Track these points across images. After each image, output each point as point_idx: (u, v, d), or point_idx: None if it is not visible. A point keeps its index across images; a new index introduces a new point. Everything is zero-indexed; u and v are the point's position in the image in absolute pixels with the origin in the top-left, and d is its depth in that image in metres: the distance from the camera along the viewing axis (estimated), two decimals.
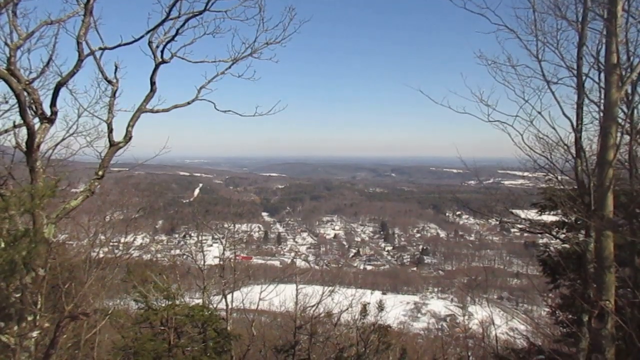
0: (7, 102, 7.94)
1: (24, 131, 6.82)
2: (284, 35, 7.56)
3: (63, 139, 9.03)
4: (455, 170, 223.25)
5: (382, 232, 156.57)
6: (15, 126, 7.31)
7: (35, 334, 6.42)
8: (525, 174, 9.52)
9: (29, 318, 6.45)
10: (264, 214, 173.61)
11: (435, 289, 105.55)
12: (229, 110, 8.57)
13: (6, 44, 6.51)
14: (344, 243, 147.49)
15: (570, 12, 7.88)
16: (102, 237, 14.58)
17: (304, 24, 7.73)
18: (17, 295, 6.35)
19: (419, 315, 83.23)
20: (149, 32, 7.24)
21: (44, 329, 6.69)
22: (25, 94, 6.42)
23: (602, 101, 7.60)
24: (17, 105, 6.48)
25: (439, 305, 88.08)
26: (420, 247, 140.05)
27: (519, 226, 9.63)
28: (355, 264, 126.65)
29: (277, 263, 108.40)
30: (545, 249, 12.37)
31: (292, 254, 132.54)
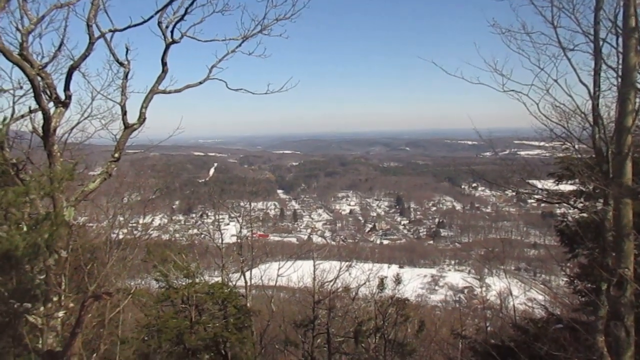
0: (21, 88, 8.00)
1: (39, 116, 6.90)
2: (293, 11, 7.47)
3: (78, 123, 9.11)
4: (470, 142, 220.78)
5: (397, 207, 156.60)
6: (31, 111, 7.39)
7: (61, 314, 6.61)
8: (542, 143, 9.36)
9: (54, 299, 6.64)
10: (279, 191, 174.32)
11: (452, 262, 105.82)
12: (241, 89, 8.54)
13: (17, 29, 6.55)
14: (360, 218, 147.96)
15: None
16: (121, 219, 14.81)
17: None
18: (42, 277, 6.55)
19: (437, 287, 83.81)
20: (158, 12, 7.21)
21: (69, 309, 6.88)
22: (39, 78, 6.47)
23: (620, 67, 7.42)
24: (31, 91, 6.56)
25: (456, 277, 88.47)
26: (436, 220, 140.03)
27: (536, 197, 9.51)
28: (372, 239, 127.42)
29: (293, 240, 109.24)
30: (563, 219, 12.29)
31: (309, 230, 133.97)
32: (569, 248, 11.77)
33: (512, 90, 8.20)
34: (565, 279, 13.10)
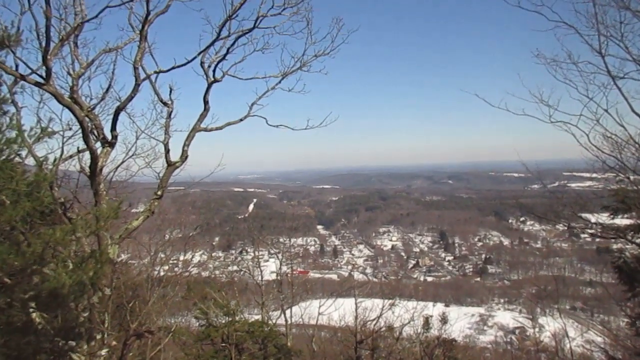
0: (70, 129, 8.41)
1: (87, 156, 7.19)
2: (332, 47, 7.66)
3: (123, 162, 9.43)
4: (516, 175, 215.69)
5: (441, 242, 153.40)
6: (79, 151, 7.74)
7: (104, 352, 6.71)
8: (594, 175, 9.08)
9: (98, 337, 6.76)
10: (319, 226, 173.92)
11: (502, 300, 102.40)
12: (281, 125, 8.72)
13: (69, 73, 6.94)
14: (402, 254, 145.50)
15: (634, 2, 7.54)
16: (162, 256, 15.05)
17: (352, 34, 7.80)
18: (86, 315, 6.65)
19: (485, 328, 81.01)
20: (200, 53, 7.52)
21: (112, 347, 6.98)
22: (88, 120, 6.79)
23: None
24: (80, 132, 6.87)
25: (506, 317, 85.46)
26: (483, 256, 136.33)
27: (590, 231, 9.18)
28: (415, 276, 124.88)
29: (334, 277, 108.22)
30: (620, 255, 11.77)
31: (349, 266, 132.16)
32: (629, 286, 11.22)
33: (560, 122, 8.06)
34: (625, 320, 12.45)
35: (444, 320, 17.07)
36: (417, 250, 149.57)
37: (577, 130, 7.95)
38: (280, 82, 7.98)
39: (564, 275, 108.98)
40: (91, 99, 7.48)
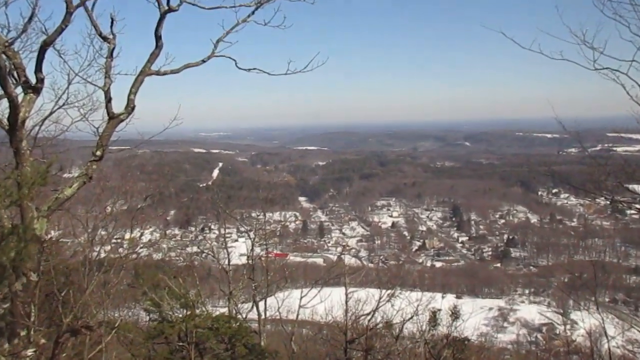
0: None
1: (4, 104, 7.01)
2: None
3: (52, 112, 9.30)
4: (549, 136, 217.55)
5: (454, 219, 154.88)
6: None
7: (30, 352, 6.68)
8: None
9: (22, 333, 6.71)
10: (301, 199, 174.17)
11: (526, 291, 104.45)
12: (255, 69, 8.62)
13: None
14: (405, 234, 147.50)
15: None
16: (103, 233, 15.02)
17: None
18: (6, 306, 6.59)
19: (506, 324, 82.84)
20: None
21: (40, 345, 6.95)
22: (4, 58, 6.59)
23: None
24: None
25: (531, 311, 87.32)
26: (505, 236, 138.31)
27: (638, 207, 9.28)
28: (421, 260, 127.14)
29: (320, 261, 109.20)
30: None
31: (339, 249, 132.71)
32: None
33: (607, 69, 8.06)
34: None
35: (454, 315, 17.32)
36: (424, 229, 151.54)
37: (627, 80, 7.95)
38: (253, 12, 7.86)
39: (604, 260, 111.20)
40: (9, 31, 7.29)
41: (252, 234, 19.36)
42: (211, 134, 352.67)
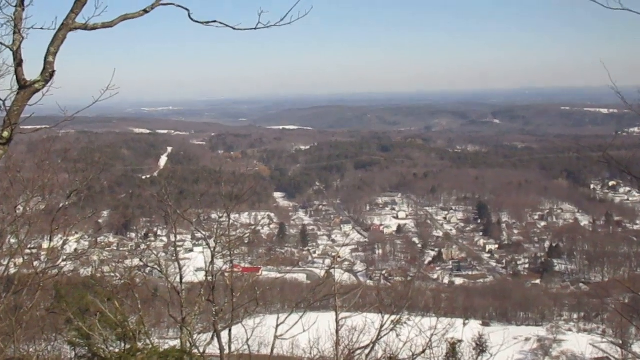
0: None
1: None
2: None
3: None
4: (604, 111, 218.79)
5: (479, 221, 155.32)
6: None
7: None
8: None
9: None
10: (277, 195, 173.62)
11: (574, 315, 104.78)
12: (214, 21, 8.54)
13: None
14: (415, 240, 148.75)
15: None
16: (13, 242, 14.94)
17: None
18: None
19: (547, 359, 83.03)
20: None
21: None
22: None
23: None
24: None
25: (581, 342, 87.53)
26: (546, 244, 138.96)
27: None
28: (436, 276, 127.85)
29: (302, 277, 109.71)
30: None
31: (328, 261, 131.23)
32: None
33: None
34: None
35: (480, 347, 17.52)
36: (440, 234, 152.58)
37: None
38: None
39: None
40: None
41: (212, 242, 18.44)
42: (157, 109, 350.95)
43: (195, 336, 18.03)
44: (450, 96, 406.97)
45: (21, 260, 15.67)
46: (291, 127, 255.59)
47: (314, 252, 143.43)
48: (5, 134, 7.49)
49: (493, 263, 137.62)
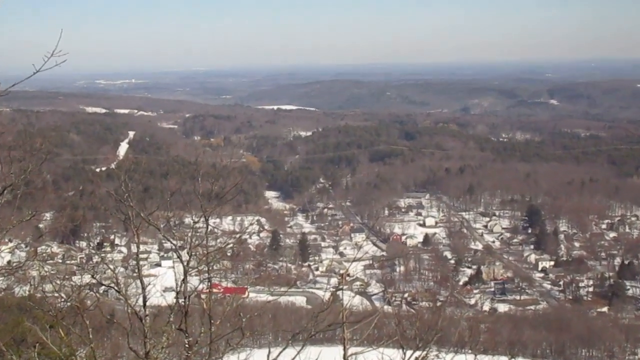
0: None
1: None
2: None
3: None
4: None
5: (530, 230, 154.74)
6: None
7: None
8: None
9: None
10: (269, 194, 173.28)
11: None
12: None
13: None
14: (447, 255, 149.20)
15: None
16: None
17: None
18: None
19: None
20: None
21: None
22: None
23: None
24: None
25: None
26: (616, 260, 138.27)
27: None
28: (473, 301, 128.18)
29: (301, 300, 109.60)
30: None
31: (334, 280, 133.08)
32: None
33: None
34: None
35: None
36: (479, 246, 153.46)
37: None
38: None
39: None
40: None
41: (184, 254, 17.74)
42: (116, 82, 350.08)
43: None
44: (493, 69, 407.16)
45: None
46: (288, 107, 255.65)
47: (317, 269, 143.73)
48: None
49: (547, 285, 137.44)
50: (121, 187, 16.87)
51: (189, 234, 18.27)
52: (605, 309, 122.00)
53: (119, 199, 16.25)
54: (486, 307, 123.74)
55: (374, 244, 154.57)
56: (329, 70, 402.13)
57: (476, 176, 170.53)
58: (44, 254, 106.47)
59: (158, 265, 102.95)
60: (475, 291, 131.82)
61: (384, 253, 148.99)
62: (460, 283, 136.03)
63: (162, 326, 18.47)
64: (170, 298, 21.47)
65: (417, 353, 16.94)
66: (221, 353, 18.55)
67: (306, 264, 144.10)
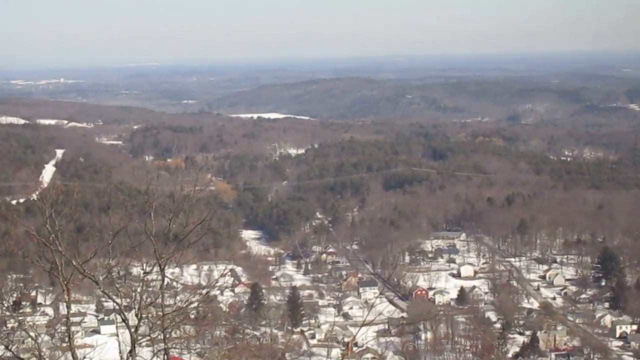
0: None
1: None
2: None
3: None
4: None
5: (603, 282, 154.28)
6: None
7: None
8: None
9: None
10: (247, 233, 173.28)
11: None
12: None
13: None
14: (491, 316, 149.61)
15: None
16: None
17: None
18: None
19: None
20: None
21: None
22: None
23: None
24: None
25: None
26: None
27: None
28: None
29: None
30: None
31: (335, 352, 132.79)
32: None
33: None
34: None
35: None
36: (534, 305, 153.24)
37: None
38: None
39: None
40: None
41: (131, 317, 19.31)
42: (40, 83, 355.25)
43: None
44: (552, 63, 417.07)
45: None
46: (272, 116, 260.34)
47: (313, 336, 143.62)
48: None
49: (629, 357, 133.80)
50: (46, 225, 20.96)
51: (138, 290, 20.34)
52: None
53: (43, 242, 20.33)
54: None
55: (391, 302, 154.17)
56: (327, 66, 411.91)
57: (529, 209, 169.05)
58: None
59: (96, 332, 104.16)
60: None
61: (404, 314, 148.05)
62: (510, 355, 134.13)
63: None
64: None
65: None
66: None
67: (298, 329, 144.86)
